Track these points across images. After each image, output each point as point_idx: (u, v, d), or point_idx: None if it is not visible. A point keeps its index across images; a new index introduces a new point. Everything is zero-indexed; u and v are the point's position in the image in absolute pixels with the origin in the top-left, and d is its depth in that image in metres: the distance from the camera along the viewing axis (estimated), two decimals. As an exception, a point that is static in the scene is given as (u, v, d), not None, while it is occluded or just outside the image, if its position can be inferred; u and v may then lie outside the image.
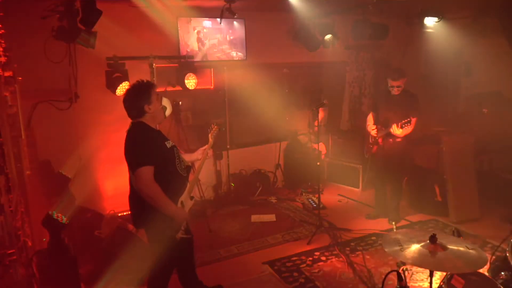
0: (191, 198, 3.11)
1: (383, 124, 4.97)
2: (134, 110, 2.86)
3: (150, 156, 2.75)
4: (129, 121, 2.98)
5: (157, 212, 2.80)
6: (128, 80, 4.76)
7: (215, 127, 3.49)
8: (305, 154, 6.61)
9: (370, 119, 5.19)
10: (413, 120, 4.68)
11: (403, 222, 5.24)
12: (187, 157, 3.28)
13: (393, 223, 4.89)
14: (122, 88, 4.68)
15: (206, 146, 3.34)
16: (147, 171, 2.72)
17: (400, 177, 5.17)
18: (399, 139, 4.87)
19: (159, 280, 3.11)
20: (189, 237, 3.06)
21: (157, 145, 2.85)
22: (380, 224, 5.18)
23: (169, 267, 3.10)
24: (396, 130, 4.75)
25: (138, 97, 2.84)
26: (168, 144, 2.93)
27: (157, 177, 2.76)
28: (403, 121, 4.67)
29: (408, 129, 4.75)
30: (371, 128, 5.10)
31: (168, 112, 3.04)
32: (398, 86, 4.82)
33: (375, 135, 5.04)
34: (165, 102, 3.02)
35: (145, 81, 2.91)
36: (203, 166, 3.42)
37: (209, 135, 3.42)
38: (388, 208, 5.28)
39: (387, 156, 5.03)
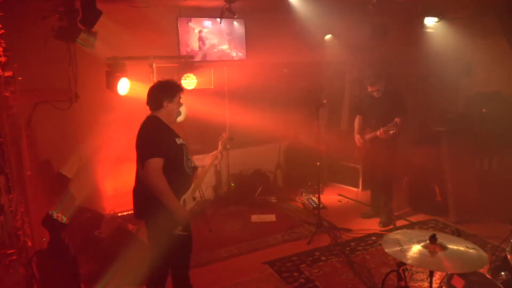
0: (194, 198, 3.14)
1: (370, 127, 4.99)
2: (154, 101, 2.99)
3: (161, 148, 2.84)
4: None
5: (159, 205, 2.85)
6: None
7: (226, 135, 3.55)
8: (305, 154, 6.61)
9: (357, 122, 5.22)
10: (399, 120, 4.66)
11: (403, 222, 5.24)
12: (199, 162, 3.35)
13: (394, 223, 4.89)
14: (123, 86, 4.68)
15: (215, 152, 3.42)
16: (155, 163, 2.80)
17: (389, 178, 5.16)
18: (387, 140, 4.86)
19: (157, 278, 3.12)
20: (186, 234, 3.07)
21: (168, 139, 2.94)
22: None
23: (167, 264, 3.11)
24: (383, 135, 4.75)
25: (164, 91, 2.99)
26: (178, 141, 3.01)
27: (164, 170, 2.83)
28: (389, 126, 4.67)
29: (395, 131, 4.73)
30: (356, 136, 5.17)
31: (180, 118, 3.17)
32: (376, 90, 4.87)
33: (359, 145, 5.10)
34: (182, 109, 3.17)
35: (177, 83, 3.09)
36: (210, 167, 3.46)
37: (219, 142, 3.49)
38: (381, 209, 5.27)
39: (375, 157, 5.05)
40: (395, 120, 4.64)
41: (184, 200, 3.02)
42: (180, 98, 3.06)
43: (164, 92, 2.98)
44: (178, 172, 2.96)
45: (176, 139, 2.99)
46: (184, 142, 3.06)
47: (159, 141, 2.87)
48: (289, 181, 6.76)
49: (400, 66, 6.78)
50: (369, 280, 3.88)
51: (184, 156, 3.01)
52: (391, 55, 6.81)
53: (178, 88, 3.04)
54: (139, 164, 2.93)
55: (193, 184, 3.12)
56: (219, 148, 3.47)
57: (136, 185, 3.02)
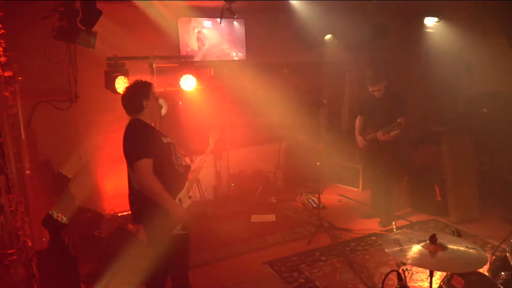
0: (189, 197, 3.14)
1: (371, 127, 4.99)
2: (133, 106, 2.95)
3: (148, 149, 2.81)
4: (128, 120, 3.00)
5: (156, 207, 2.84)
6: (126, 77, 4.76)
7: (216, 132, 3.59)
8: (305, 154, 6.61)
9: (358, 123, 5.22)
10: (402, 121, 4.67)
11: (403, 222, 5.24)
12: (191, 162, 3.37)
13: (394, 223, 4.88)
14: (121, 84, 4.68)
15: (203, 156, 3.43)
16: (145, 164, 2.77)
17: (389, 178, 5.15)
18: (388, 141, 4.86)
19: (157, 278, 3.12)
20: (185, 233, 3.07)
21: (153, 139, 2.92)
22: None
23: (166, 264, 3.11)
24: (382, 137, 4.76)
25: (137, 93, 2.96)
26: (165, 140, 2.99)
27: (155, 171, 2.81)
28: (391, 126, 4.67)
29: (398, 132, 4.73)
30: (357, 137, 5.18)
31: (163, 111, 3.13)
32: (378, 90, 4.86)
33: (361, 146, 5.11)
34: (161, 102, 3.12)
35: (143, 80, 3.05)
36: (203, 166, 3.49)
37: (210, 139, 3.52)
38: (381, 209, 5.27)
39: (376, 158, 5.05)
40: (398, 120, 4.64)
41: (180, 199, 3.01)
42: (154, 92, 3.02)
43: (138, 93, 2.95)
44: (170, 171, 2.94)
45: (162, 138, 2.97)
46: (171, 141, 3.04)
47: (145, 142, 2.84)
48: (289, 181, 6.76)
49: (400, 66, 6.78)
50: (369, 280, 3.89)
51: (173, 154, 2.99)
52: (391, 55, 6.81)
53: (148, 84, 3.02)
54: (129, 169, 2.90)
55: (187, 183, 3.11)
56: (211, 146, 3.52)
57: (130, 190, 2.99)
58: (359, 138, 5.15)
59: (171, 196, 2.88)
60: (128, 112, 2.99)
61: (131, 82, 3.06)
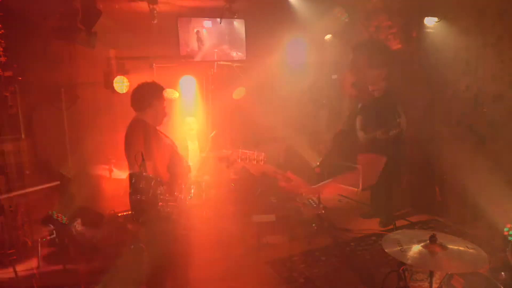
0: (190, 197, 3.15)
1: (371, 126, 4.99)
2: (142, 100, 2.99)
3: (149, 151, 2.82)
4: (129, 120, 3.01)
5: (156, 208, 2.84)
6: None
7: (215, 131, 3.62)
8: (305, 154, 6.61)
9: (357, 123, 5.21)
10: (401, 120, 4.67)
11: (403, 222, 5.24)
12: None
13: (394, 223, 4.89)
14: (120, 84, 4.68)
15: (203, 156, 3.46)
16: (147, 166, 2.75)
17: (389, 178, 5.15)
18: (387, 140, 4.86)
19: (157, 278, 3.13)
20: (185, 233, 3.07)
21: (155, 141, 2.93)
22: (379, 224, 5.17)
23: (167, 264, 3.11)
24: (381, 136, 4.76)
25: (152, 91, 3.03)
26: (166, 141, 3.02)
27: (156, 172, 2.83)
28: (391, 126, 4.67)
29: (398, 131, 4.73)
30: (359, 132, 5.18)
31: (167, 119, 3.17)
32: (377, 89, 4.88)
33: (362, 140, 5.12)
34: (167, 110, 3.19)
35: (159, 84, 3.16)
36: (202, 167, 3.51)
37: (209, 138, 3.54)
38: (381, 209, 5.26)
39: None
40: (398, 120, 4.64)
41: (181, 199, 3.02)
42: (164, 99, 3.09)
43: (153, 91, 3.01)
44: (171, 172, 2.95)
45: (164, 139, 2.99)
46: (173, 142, 3.06)
47: (147, 144, 2.84)
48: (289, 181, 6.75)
49: (400, 66, 6.77)
50: (369, 280, 3.88)
51: (175, 155, 3.00)
52: (391, 55, 6.81)
53: (163, 89, 3.10)
54: (130, 169, 2.91)
55: (187, 183, 3.12)
56: (209, 144, 3.51)
57: (130, 190, 2.99)
58: (360, 133, 5.14)
59: (172, 196, 2.89)
60: (134, 105, 3.01)
61: (147, 81, 3.13)
